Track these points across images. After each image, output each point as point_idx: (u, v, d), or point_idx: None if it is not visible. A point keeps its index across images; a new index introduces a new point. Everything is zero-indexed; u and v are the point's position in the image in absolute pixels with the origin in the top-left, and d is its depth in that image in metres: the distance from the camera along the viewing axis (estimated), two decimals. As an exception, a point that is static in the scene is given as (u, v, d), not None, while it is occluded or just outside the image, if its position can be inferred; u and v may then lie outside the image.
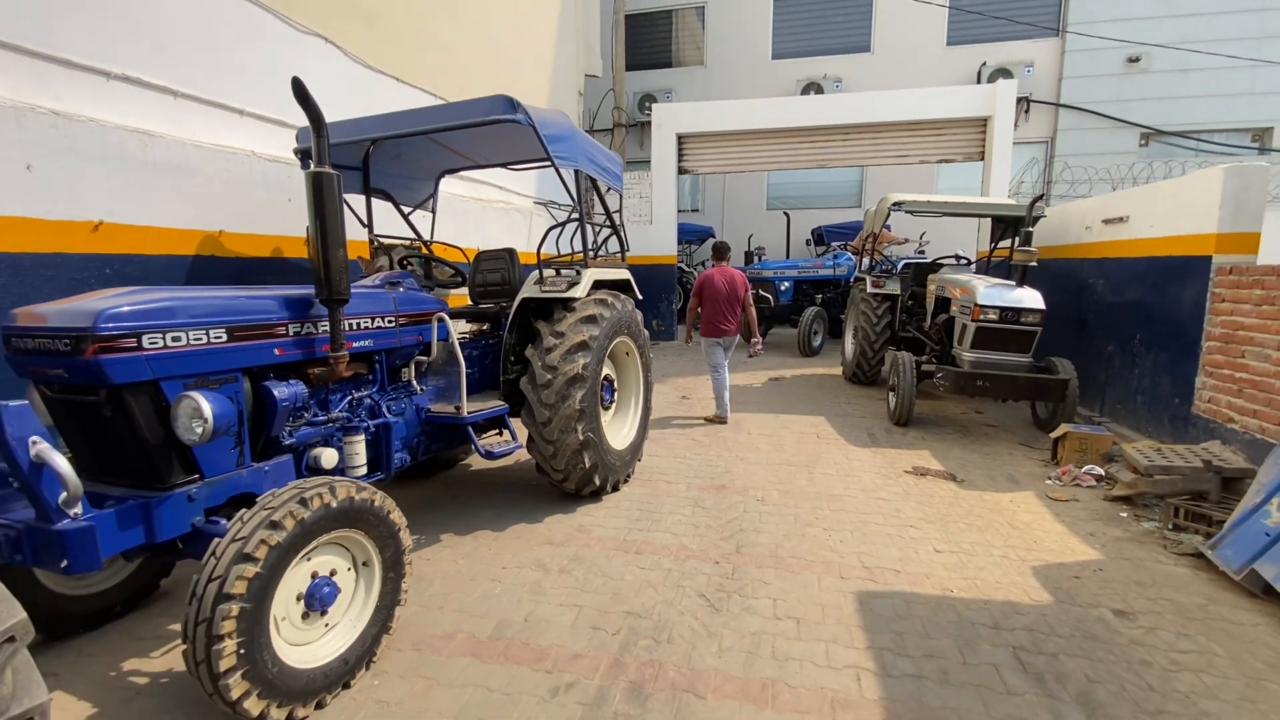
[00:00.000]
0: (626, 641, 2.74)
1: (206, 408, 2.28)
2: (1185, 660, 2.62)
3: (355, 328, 3.18)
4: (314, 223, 2.71)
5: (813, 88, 15.22)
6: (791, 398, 7.68)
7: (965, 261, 8.37)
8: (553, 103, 10.61)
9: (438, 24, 7.28)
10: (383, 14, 6.28)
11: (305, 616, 2.33)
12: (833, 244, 13.98)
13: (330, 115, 2.75)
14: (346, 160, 4.34)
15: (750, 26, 15.81)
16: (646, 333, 4.92)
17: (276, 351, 2.77)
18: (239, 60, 4.69)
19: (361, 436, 3.18)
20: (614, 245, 5.10)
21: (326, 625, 2.43)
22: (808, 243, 14.98)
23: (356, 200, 4.46)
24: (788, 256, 14.28)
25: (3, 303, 3.16)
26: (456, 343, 3.66)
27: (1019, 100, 13.62)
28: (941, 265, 7.95)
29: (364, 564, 2.55)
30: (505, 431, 4.20)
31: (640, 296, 5.00)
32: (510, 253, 4.83)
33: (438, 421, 3.76)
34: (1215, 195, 4.85)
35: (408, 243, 4.83)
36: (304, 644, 2.34)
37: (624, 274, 4.80)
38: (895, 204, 7.23)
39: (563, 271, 4.17)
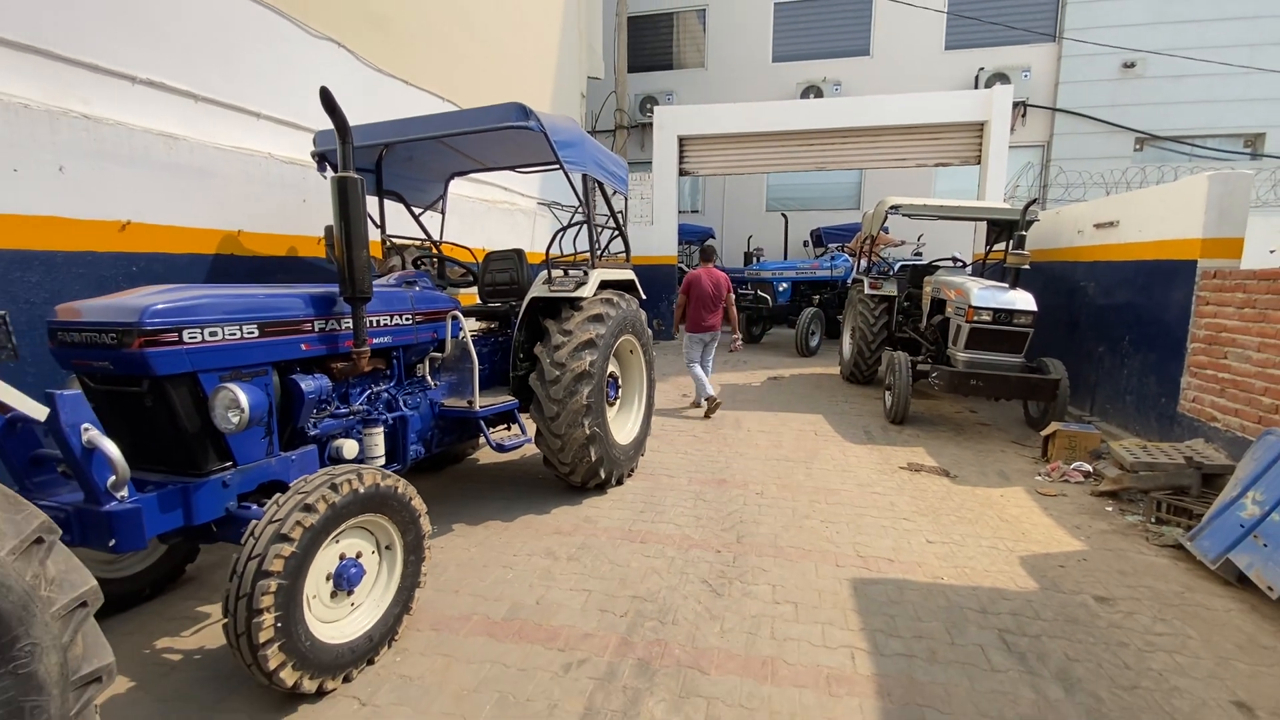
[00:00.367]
0: (634, 623, 2.89)
1: (243, 398, 2.43)
2: (1160, 642, 2.79)
3: (375, 325, 3.33)
4: (339, 225, 2.86)
5: (812, 91, 15.38)
6: (790, 396, 7.84)
7: (961, 264, 8.53)
8: (556, 104, 10.76)
9: (446, 28, 7.42)
10: (393, 18, 6.42)
11: (334, 595, 2.48)
12: (830, 245, 14.14)
13: (323, 109, 2.87)
14: (361, 163, 4.47)
15: (751, 29, 15.97)
16: (650, 331, 5.08)
17: (303, 347, 2.92)
18: (255, 64, 4.82)
19: (380, 429, 3.33)
20: (618, 246, 5.25)
21: (353, 604, 2.58)
22: (805, 244, 15.14)
23: (369, 202, 4.60)
24: (785, 258, 14.44)
25: (36, 299, 3.31)
26: (470, 340, 3.81)
27: (1016, 104, 13.82)
28: (937, 267, 8.11)
29: (387, 547, 2.70)
30: (514, 426, 4.35)
31: (644, 296, 5.16)
32: (519, 253, 4.98)
33: (450, 415, 3.91)
34: (1200, 201, 5.01)
35: (419, 243, 4.98)
36: (332, 621, 2.49)
37: (629, 274, 4.96)
38: (892, 207, 7.39)
39: (570, 272, 4.32)
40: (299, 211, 5.00)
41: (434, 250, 4.99)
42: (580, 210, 4.49)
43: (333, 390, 3.12)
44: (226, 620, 2.17)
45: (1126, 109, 13.86)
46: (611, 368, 4.59)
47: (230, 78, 4.61)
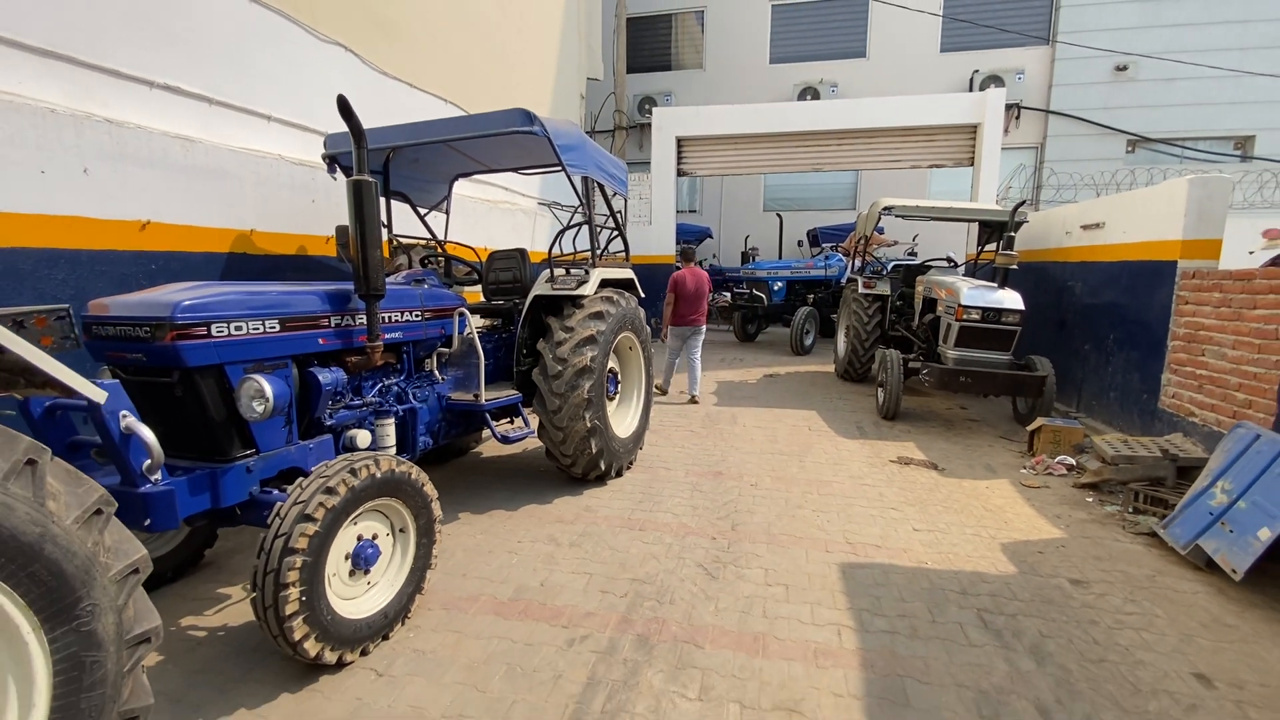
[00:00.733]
0: (633, 603, 3.06)
1: (268, 389, 2.59)
2: (1129, 620, 2.96)
3: (387, 321, 3.48)
4: (354, 226, 3.01)
5: (809, 92, 15.54)
6: (785, 393, 8.01)
7: (954, 264, 8.71)
8: (555, 105, 10.91)
9: (449, 31, 7.57)
10: (398, 22, 6.57)
11: (352, 574, 2.64)
12: (825, 245, 14.31)
13: (340, 116, 3.02)
14: (369, 165, 4.63)
15: (748, 31, 16.13)
16: (648, 329, 5.24)
17: (320, 341, 3.08)
18: (266, 68, 4.97)
19: (392, 420, 3.49)
20: (617, 245, 5.41)
21: (369, 583, 2.74)
22: (800, 244, 15.30)
23: (378, 202, 4.76)
24: (780, 257, 14.60)
25: (62, 295, 3.45)
26: (476, 336, 3.97)
27: (1011, 106, 14.02)
28: (929, 267, 8.29)
29: (401, 530, 2.86)
30: (518, 419, 4.51)
31: (643, 295, 5.32)
32: (521, 253, 5.14)
33: (457, 408, 4.07)
34: (1181, 204, 5.19)
35: (425, 242, 5.14)
36: (351, 598, 2.65)
37: (628, 274, 5.12)
38: (886, 208, 7.56)
39: (571, 271, 4.48)
40: (308, 211, 5.15)
41: (439, 249, 5.15)
42: (581, 210, 4.65)
43: (347, 383, 3.28)
44: (254, 594, 2.33)
45: (1119, 111, 14.05)
46: (611, 364, 4.75)
47: (242, 81, 4.77)
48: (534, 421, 4.40)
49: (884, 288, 8.30)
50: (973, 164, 11.17)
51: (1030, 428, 5.61)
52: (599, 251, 4.72)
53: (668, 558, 3.54)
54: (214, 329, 2.58)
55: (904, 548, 3.69)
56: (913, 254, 13.20)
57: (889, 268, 9.35)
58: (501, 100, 8.79)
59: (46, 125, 3.37)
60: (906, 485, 4.74)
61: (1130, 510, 4.22)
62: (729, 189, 16.94)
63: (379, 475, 2.61)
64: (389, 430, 3.48)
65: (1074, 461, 5.08)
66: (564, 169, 4.12)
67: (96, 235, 3.62)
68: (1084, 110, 14.20)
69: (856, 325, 8.25)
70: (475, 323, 4.78)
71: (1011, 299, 6.24)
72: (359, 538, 2.66)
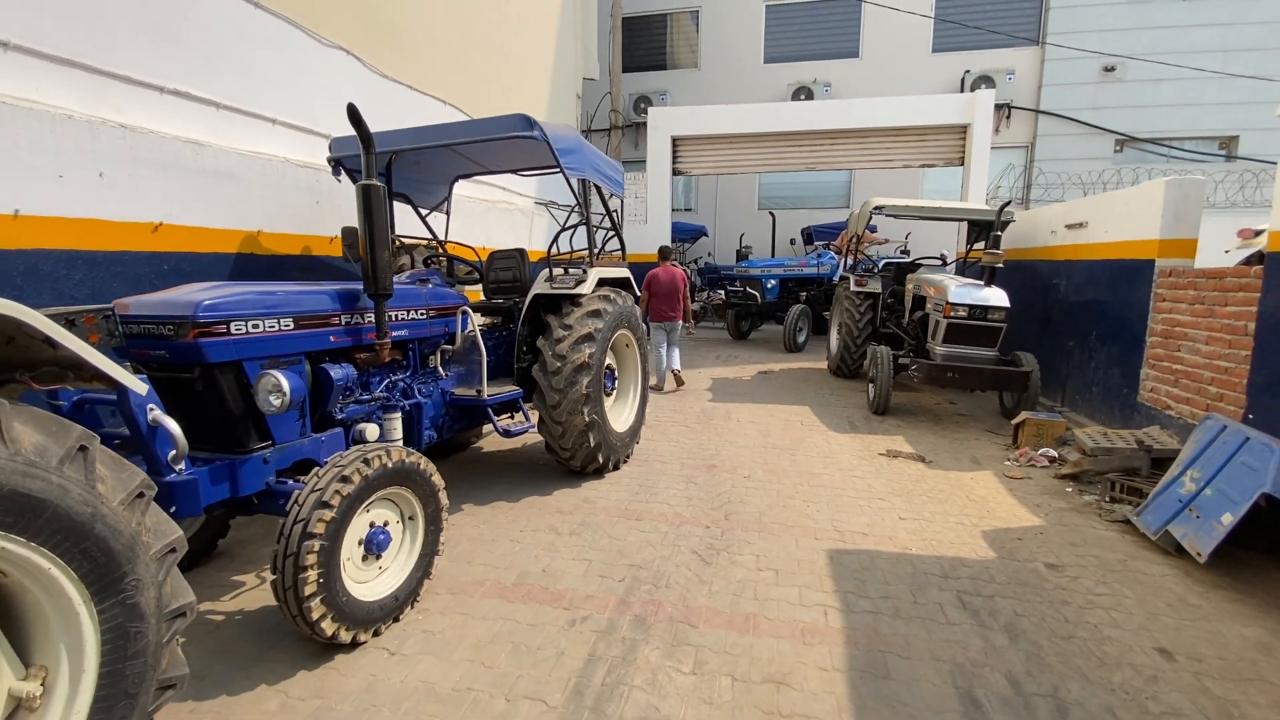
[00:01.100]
0: (631, 587, 3.22)
1: (285, 383, 2.73)
2: (1099, 601, 3.13)
3: (394, 319, 3.63)
4: (363, 228, 3.15)
5: (803, 91, 15.71)
6: (778, 389, 8.18)
7: (947, 262, 8.88)
8: (552, 105, 11.04)
9: (448, 33, 7.70)
10: (398, 25, 6.70)
11: (365, 559, 2.79)
12: (817, 243, 14.48)
13: (349, 124, 3.15)
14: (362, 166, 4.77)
15: (743, 31, 16.29)
16: (645, 326, 5.39)
17: (332, 338, 3.22)
18: (271, 72, 5.10)
19: (399, 414, 3.64)
20: (613, 244, 5.56)
21: (380, 568, 2.89)
22: (792, 242, 15.47)
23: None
24: (773, 255, 14.77)
25: (80, 295, 3.58)
26: (479, 334, 4.12)
27: (1001, 106, 14.22)
28: (919, 265, 8.46)
29: (410, 518, 3.01)
30: (518, 414, 4.66)
31: (640, 293, 5.47)
32: (521, 252, 5.29)
33: (460, 404, 4.22)
34: (1158, 205, 5.37)
35: (426, 242, 5.28)
36: (364, 582, 2.80)
37: (624, 273, 5.27)
38: (876, 208, 7.73)
39: (570, 270, 4.63)
40: (313, 212, 5.28)
41: (441, 249, 5.29)
42: (578, 210, 4.79)
43: (357, 378, 3.42)
44: (275, 577, 2.48)
45: (1107, 111, 14.27)
46: (609, 360, 4.90)
47: (249, 86, 4.89)
48: (534, 416, 4.55)
49: (875, 286, 8.47)
50: (963, 163, 11.34)
51: (1015, 421, 5.79)
52: (596, 251, 4.87)
53: (664, 545, 3.70)
54: (233, 327, 2.73)
55: (890, 535, 3.86)
56: (905, 252, 13.40)
57: (880, 266, 9.51)
58: (499, 100, 8.93)
59: (65, 131, 3.50)
60: (894, 477, 4.91)
61: (1107, 499, 4.40)
62: (724, 188, 17.11)
63: (390, 465, 2.75)
64: (396, 424, 3.63)
65: (1056, 453, 5.26)
66: (562, 172, 4.26)
67: (112, 237, 3.75)
68: (1073, 110, 14.42)
69: (848, 322, 8.43)
70: (476, 321, 4.94)
71: (997, 296, 6.41)
72: (371, 524, 2.81)
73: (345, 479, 2.57)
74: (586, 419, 4.36)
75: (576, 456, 4.56)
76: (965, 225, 9.66)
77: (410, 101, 6.90)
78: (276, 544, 2.49)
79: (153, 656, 1.80)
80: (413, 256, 4.99)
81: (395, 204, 5.09)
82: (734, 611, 3.00)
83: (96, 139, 3.67)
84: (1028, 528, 4.00)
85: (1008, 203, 6.98)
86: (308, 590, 2.44)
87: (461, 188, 7.21)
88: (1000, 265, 6.58)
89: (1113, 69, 14.09)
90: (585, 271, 4.61)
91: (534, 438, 5.28)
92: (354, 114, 3.07)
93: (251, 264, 4.73)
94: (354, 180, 4.69)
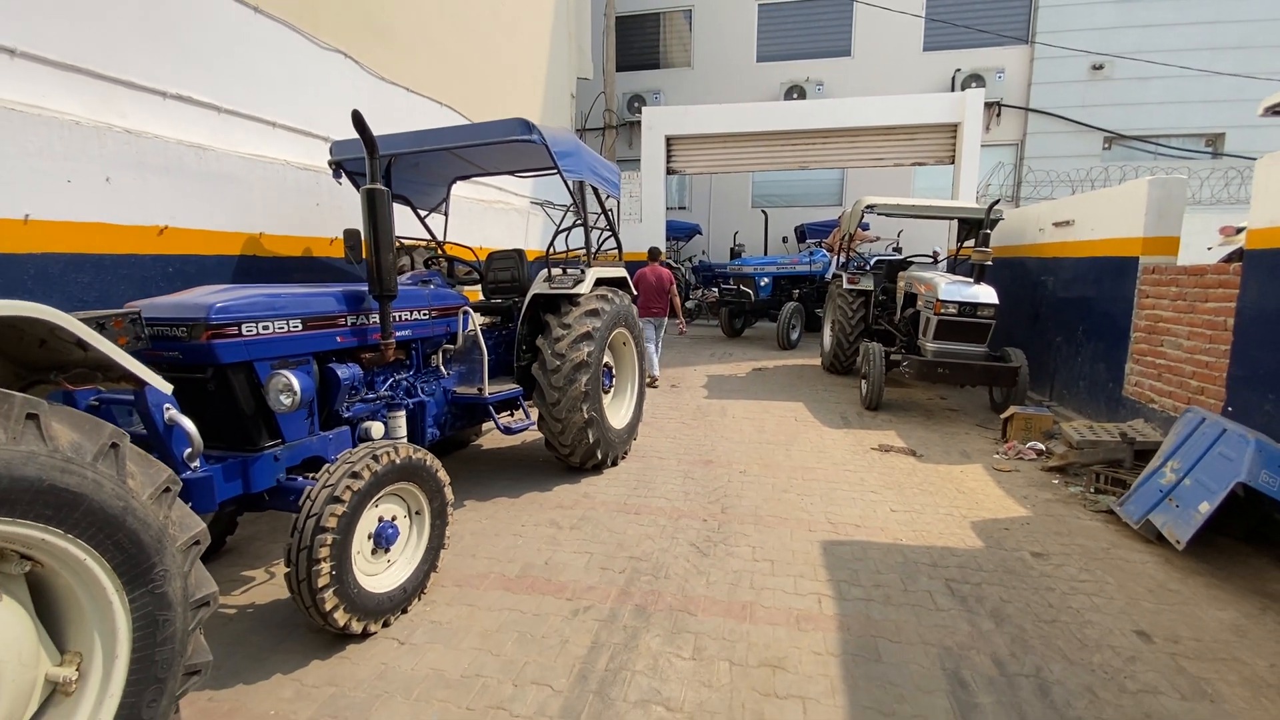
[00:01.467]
0: (631, 577, 3.32)
1: (295, 383, 2.82)
2: (1082, 587, 3.25)
3: (397, 319, 3.71)
4: (368, 231, 3.24)
5: (796, 90, 15.82)
6: (773, 386, 8.29)
7: (938, 259, 9.01)
8: (547, 106, 11.11)
9: (444, 37, 7.77)
10: (395, 29, 6.76)
11: (374, 553, 2.88)
12: (809, 241, 14.59)
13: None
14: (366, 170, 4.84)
15: (735, 30, 16.38)
16: (641, 325, 5.49)
17: (338, 339, 3.31)
18: (271, 76, 5.16)
19: (403, 412, 3.73)
20: (609, 244, 5.65)
21: (389, 561, 2.98)
22: (784, 240, 15.59)
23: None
24: (765, 253, 14.88)
25: (88, 298, 3.66)
26: (480, 333, 4.21)
27: (991, 104, 14.37)
28: (911, 263, 8.59)
29: (417, 513, 3.10)
30: (518, 411, 4.75)
31: (635, 293, 5.57)
32: (519, 253, 5.38)
33: (462, 402, 4.31)
34: (1142, 203, 5.50)
35: (425, 243, 5.36)
36: (373, 575, 2.89)
37: (621, 272, 5.37)
38: (868, 206, 7.85)
39: (568, 270, 4.72)
40: (313, 215, 5.36)
41: (439, 250, 5.37)
42: (574, 211, 4.88)
43: (362, 378, 3.51)
44: (289, 569, 2.57)
45: (1095, 109, 14.44)
46: (606, 358, 5.00)
47: (249, 89, 4.96)
48: (533, 414, 4.64)
49: (867, 283, 8.59)
50: (954, 162, 11.49)
51: (1004, 416, 5.92)
52: (593, 251, 4.96)
53: (662, 538, 3.80)
54: (244, 329, 2.81)
55: (881, 526, 3.97)
56: (897, 250, 13.53)
57: (871, 263, 9.64)
58: (494, 101, 9.00)
59: (72, 137, 3.57)
60: (886, 470, 5.03)
61: (1092, 490, 4.53)
62: (717, 186, 17.21)
63: (398, 461, 2.85)
64: (400, 422, 3.72)
65: (1043, 447, 5.39)
66: (560, 174, 4.36)
67: (119, 240, 3.82)
68: (1062, 108, 14.58)
69: (841, 320, 8.55)
70: (477, 320, 5.03)
71: (986, 293, 6.54)
72: (380, 519, 2.90)
73: (356, 475, 2.67)
74: (585, 416, 4.46)
75: (576, 453, 4.66)
76: (956, 223, 9.81)
77: (407, 104, 6.97)
78: (290, 538, 2.57)
79: (179, 643, 1.89)
80: (413, 258, 5.07)
81: (395, 206, 5.16)
82: (731, 600, 3.10)
83: (103, 144, 3.74)
84: (1015, 518, 4.12)
85: (997, 201, 7.12)
86: (321, 582, 2.53)
87: (458, 188, 7.28)
88: (989, 263, 6.72)
89: (1101, 67, 14.26)
90: (583, 271, 4.71)
91: (533, 435, 5.36)
92: (358, 120, 3.16)
93: (254, 266, 4.80)
94: (354, 183, 4.77)
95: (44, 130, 3.42)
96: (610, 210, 5.56)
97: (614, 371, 5.28)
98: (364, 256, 4.19)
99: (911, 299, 7.56)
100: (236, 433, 2.93)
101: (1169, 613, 3.05)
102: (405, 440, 3.72)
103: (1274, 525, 3.66)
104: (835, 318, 8.77)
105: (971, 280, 6.77)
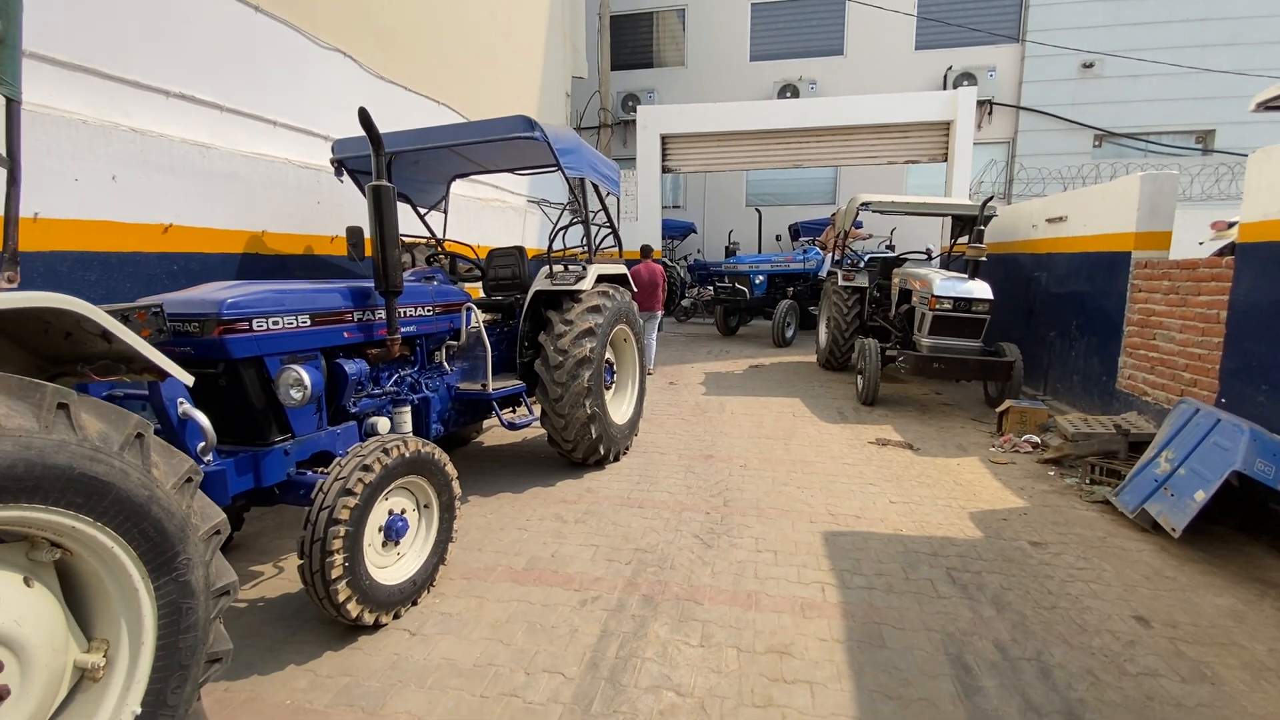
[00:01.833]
0: (637, 569, 3.37)
1: (306, 377, 2.85)
2: (1080, 574, 3.32)
3: (402, 315, 3.74)
4: (374, 227, 3.27)
5: (789, 89, 15.88)
6: (770, 382, 8.35)
7: (932, 256, 9.09)
8: (543, 104, 11.14)
9: (442, 35, 7.79)
10: (394, 28, 6.78)
11: (384, 545, 2.91)
12: (803, 239, 14.66)
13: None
14: (370, 167, 4.87)
15: (729, 29, 16.43)
16: (641, 321, 5.54)
17: (345, 334, 3.34)
18: (272, 75, 5.18)
19: (409, 408, 3.76)
20: (607, 242, 5.69)
21: (399, 554, 3.01)
22: (778, 238, 15.65)
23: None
24: (759, 251, 14.94)
25: (95, 296, 3.65)
26: (484, 329, 4.24)
27: (983, 102, 14.47)
28: (905, 260, 8.66)
29: (425, 506, 3.13)
30: (521, 407, 4.79)
31: (635, 289, 5.61)
32: (520, 250, 5.42)
33: (465, 398, 4.34)
34: (1134, 199, 5.58)
35: (426, 240, 5.38)
36: (384, 567, 2.92)
37: (621, 269, 5.41)
38: (863, 204, 7.92)
39: (570, 267, 4.76)
40: (314, 212, 5.37)
41: (439, 248, 5.40)
42: (570, 208, 4.91)
43: (368, 373, 3.53)
44: (302, 561, 2.60)
45: (1086, 107, 14.56)
46: (607, 355, 5.04)
47: (250, 88, 4.97)
48: (535, 410, 4.68)
49: (862, 280, 8.67)
50: (946, 159, 11.58)
51: (999, 409, 5.99)
52: (594, 248, 5.00)
53: (666, 530, 3.85)
54: (255, 324, 2.84)
55: (881, 518, 4.03)
56: (890, 247, 13.61)
57: (864, 260, 9.71)
58: (490, 100, 9.02)
59: (79, 136, 3.58)
60: (884, 464, 5.09)
61: (1087, 481, 4.60)
62: (712, 185, 17.26)
63: (408, 454, 2.88)
64: (406, 417, 3.75)
65: (1038, 439, 5.47)
66: (562, 172, 4.39)
67: (125, 238, 3.84)
68: (1053, 106, 14.70)
69: (837, 316, 8.61)
70: (479, 317, 5.06)
71: (981, 289, 6.61)
72: (390, 512, 2.93)
73: (367, 468, 2.70)
74: (589, 411, 4.50)
75: (579, 448, 4.70)
76: (949, 220, 9.89)
77: (406, 102, 6.99)
78: (303, 530, 2.60)
79: (202, 631, 1.93)
80: (414, 255, 5.10)
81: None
82: (736, 589, 3.15)
83: (109, 143, 3.76)
84: (1012, 509, 4.19)
85: (991, 198, 7.20)
86: (334, 574, 2.57)
87: (455, 186, 7.33)
88: (984, 259, 6.79)
89: (1091, 65, 14.38)
90: (585, 268, 4.75)
91: (533, 432, 5.41)
92: (365, 117, 3.19)
93: (257, 264, 4.81)
94: (356, 181, 4.79)
95: (52, 129, 3.43)
96: (610, 208, 5.60)
97: (615, 367, 5.32)
98: (368, 254, 4.22)
99: (906, 295, 7.63)
100: (247, 427, 2.96)
101: (1166, 599, 3.11)
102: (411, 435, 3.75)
103: (1268, 514, 3.74)
104: (831, 314, 8.84)
105: (966, 276, 6.85)
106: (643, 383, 5.61)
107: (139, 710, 1.77)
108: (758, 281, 12.52)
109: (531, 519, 4.04)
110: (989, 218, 7.07)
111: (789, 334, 11.50)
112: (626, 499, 4.35)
